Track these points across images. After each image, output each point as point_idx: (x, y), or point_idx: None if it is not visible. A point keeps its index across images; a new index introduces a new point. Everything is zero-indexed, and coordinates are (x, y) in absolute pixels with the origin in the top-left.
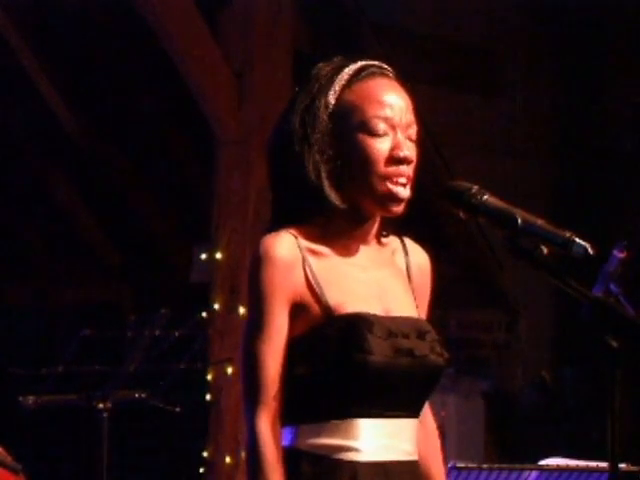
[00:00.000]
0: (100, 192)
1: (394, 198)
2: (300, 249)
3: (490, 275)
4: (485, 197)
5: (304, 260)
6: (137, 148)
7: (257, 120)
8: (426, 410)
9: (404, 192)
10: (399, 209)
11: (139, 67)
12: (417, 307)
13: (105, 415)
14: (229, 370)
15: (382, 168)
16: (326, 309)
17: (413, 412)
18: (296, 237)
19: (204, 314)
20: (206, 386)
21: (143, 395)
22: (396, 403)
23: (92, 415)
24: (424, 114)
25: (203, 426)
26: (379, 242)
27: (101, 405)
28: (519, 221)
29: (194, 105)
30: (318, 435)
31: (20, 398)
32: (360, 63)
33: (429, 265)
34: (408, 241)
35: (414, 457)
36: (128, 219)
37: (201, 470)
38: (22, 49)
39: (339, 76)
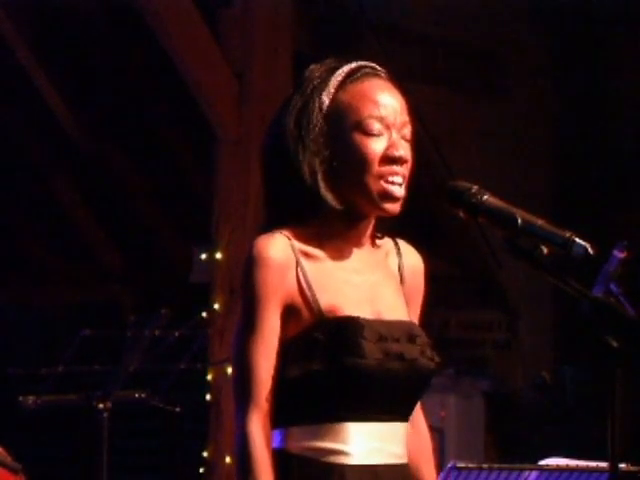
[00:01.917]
0: (100, 192)
1: (389, 197)
2: (294, 251)
3: (490, 275)
4: (485, 197)
5: (297, 262)
6: (137, 148)
7: (257, 120)
8: (418, 412)
9: (399, 191)
10: (395, 208)
11: (139, 67)
12: (409, 310)
13: (105, 415)
14: (229, 370)
15: (377, 167)
16: (317, 312)
17: (403, 415)
18: (290, 239)
19: (204, 314)
20: (206, 386)
21: (143, 395)
22: (386, 407)
23: (92, 415)
24: (424, 114)
25: (203, 426)
26: (373, 244)
27: (101, 405)
28: (519, 221)
29: (194, 105)
30: (308, 438)
31: (20, 398)
32: (354, 64)
33: (422, 267)
34: (402, 242)
35: (404, 460)
36: (128, 219)
37: (201, 470)
38: (22, 49)
39: (333, 77)
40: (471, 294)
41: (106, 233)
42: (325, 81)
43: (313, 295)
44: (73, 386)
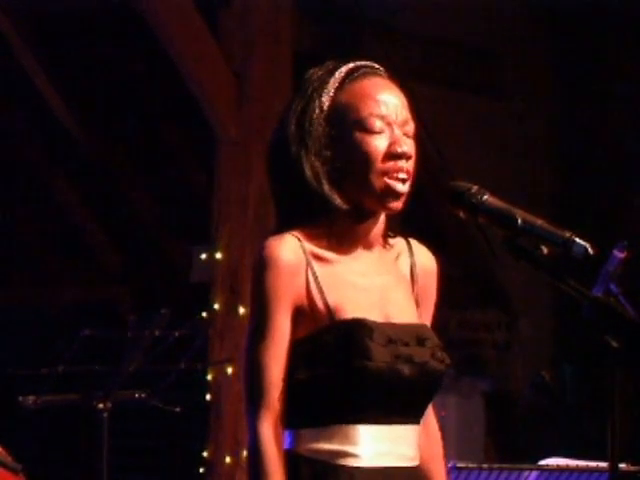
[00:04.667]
0: (100, 192)
1: (392, 193)
2: (304, 252)
3: (490, 275)
4: (485, 197)
5: (308, 264)
6: (137, 148)
7: (257, 120)
8: (429, 414)
9: (402, 187)
10: (398, 205)
11: (139, 67)
12: (419, 310)
13: (105, 415)
14: (229, 370)
15: (380, 164)
16: (327, 314)
17: (413, 418)
18: (300, 240)
19: (204, 314)
20: (206, 386)
21: (143, 395)
22: (396, 409)
23: (92, 415)
24: (424, 114)
25: (203, 426)
26: (384, 244)
27: (101, 405)
28: (519, 221)
29: (194, 105)
30: (317, 440)
31: (20, 398)
32: (352, 64)
33: (435, 267)
34: (414, 242)
35: (414, 463)
36: (128, 219)
37: (201, 470)
38: (22, 49)
39: (332, 78)
40: (471, 294)
41: (106, 233)
42: (324, 82)
43: (323, 297)
44: (73, 386)
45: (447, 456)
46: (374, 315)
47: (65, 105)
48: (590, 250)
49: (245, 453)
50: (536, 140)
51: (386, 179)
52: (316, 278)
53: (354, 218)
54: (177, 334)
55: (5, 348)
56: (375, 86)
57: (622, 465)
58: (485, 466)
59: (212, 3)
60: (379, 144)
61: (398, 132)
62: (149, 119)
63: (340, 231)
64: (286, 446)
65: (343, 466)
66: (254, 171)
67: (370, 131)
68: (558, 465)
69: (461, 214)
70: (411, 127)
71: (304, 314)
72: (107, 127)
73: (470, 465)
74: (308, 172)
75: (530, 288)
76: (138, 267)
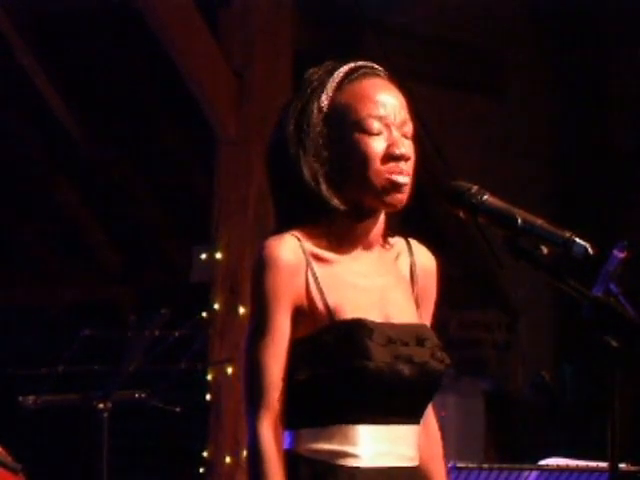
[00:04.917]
0: (100, 192)
1: (394, 187)
2: (304, 252)
3: (490, 275)
4: (485, 197)
5: (307, 264)
6: (137, 148)
7: (257, 120)
8: (429, 414)
9: (403, 179)
10: (402, 197)
11: (139, 67)
12: (419, 310)
13: (105, 415)
14: (229, 370)
15: (379, 166)
16: (327, 314)
17: (413, 418)
18: (300, 240)
19: (204, 314)
20: (206, 386)
21: (143, 395)
22: (396, 409)
23: (92, 415)
24: (424, 114)
25: (203, 426)
26: (384, 245)
27: (101, 405)
28: (519, 221)
29: (194, 105)
30: (317, 440)
31: (20, 398)
32: (351, 64)
33: (435, 267)
34: (414, 242)
35: (414, 463)
36: (128, 219)
37: (201, 470)
38: (22, 49)
39: (331, 79)
40: (471, 294)
41: (106, 233)
42: (323, 83)
43: (323, 297)
44: (73, 386)
45: (447, 456)
46: (374, 315)
47: (65, 105)
48: (590, 250)
49: (245, 453)
50: (536, 140)
51: (386, 175)
52: (316, 278)
53: (353, 218)
54: (177, 334)
55: (5, 348)
56: (374, 87)
57: (622, 465)
58: (485, 466)
59: (212, 3)
60: (377, 145)
61: (396, 133)
62: (149, 119)
63: (339, 231)
64: (286, 446)
65: (343, 466)
66: (254, 171)
67: (368, 132)
68: (558, 465)
69: (461, 214)
70: (409, 128)
71: (304, 314)
72: (107, 127)
73: (470, 465)
74: (306, 173)
75: (530, 288)
76: (138, 267)
